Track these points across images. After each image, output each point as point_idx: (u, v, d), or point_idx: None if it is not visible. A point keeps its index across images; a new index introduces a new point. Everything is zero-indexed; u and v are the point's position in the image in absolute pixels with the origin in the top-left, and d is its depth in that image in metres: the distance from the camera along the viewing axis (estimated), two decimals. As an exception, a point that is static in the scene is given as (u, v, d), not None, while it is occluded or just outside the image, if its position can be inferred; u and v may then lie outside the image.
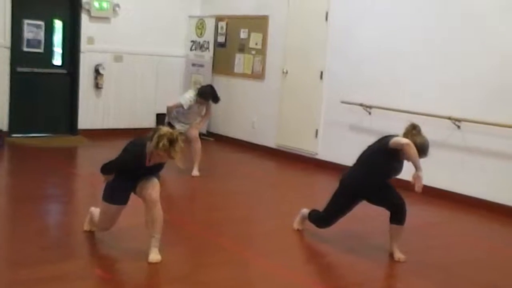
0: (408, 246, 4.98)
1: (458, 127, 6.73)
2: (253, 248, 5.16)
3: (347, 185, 4.96)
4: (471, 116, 6.65)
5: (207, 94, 7.52)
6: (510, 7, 6.48)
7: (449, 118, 6.75)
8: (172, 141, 4.07)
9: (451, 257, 5.05)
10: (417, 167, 4.51)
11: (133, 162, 4.32)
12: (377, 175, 4.82)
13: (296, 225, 5.44)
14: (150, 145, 4.15)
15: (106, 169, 4.40)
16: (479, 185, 6.58)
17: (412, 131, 4.65)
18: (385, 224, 4.94)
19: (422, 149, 4.54)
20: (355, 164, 5.04)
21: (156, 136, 4.09)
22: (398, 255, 4.84)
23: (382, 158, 4.74)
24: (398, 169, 4.79)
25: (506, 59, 6.47)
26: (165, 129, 4.19)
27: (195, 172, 7.37)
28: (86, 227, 4.95)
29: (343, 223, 5.16)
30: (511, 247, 5.65)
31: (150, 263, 4.30)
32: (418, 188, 4.51)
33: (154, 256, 4.33)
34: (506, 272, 4.89)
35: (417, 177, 4.50)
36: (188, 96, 7.43)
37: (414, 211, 5.34)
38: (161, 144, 4.04)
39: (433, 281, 4.47)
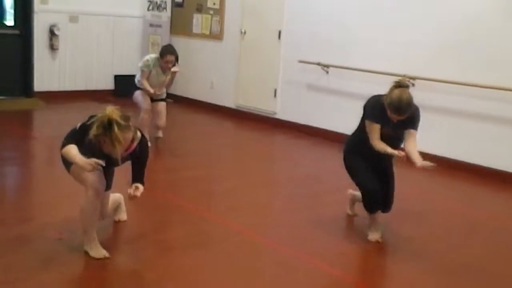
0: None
1: (413, 84, 6.80)
2: (212, 207, 5.18)
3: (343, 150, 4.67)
4: (421, 74, 6.77)
5: (170, 50, 6.94)
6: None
7: (404, 76, 6.81)
8: (105, 127, 3.41)
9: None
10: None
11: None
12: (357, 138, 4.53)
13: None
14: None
15: None
16: (430, 141, 6.70)
17: (393, 87, 4.17)
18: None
19: (388, 107, 4.13)
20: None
21: (92, 122, 3.49)
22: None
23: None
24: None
25: (454, 18, 6.59)
26: (103, 112, 3.44)
27: (160, 134, 7.14)
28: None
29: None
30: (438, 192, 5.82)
31: (115, 222, 4.38)
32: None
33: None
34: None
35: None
36: (146, 58, 7.03)
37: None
38: (94, 132, 3.43)
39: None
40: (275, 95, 8.69)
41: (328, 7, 7.87)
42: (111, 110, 3.43)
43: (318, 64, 7.94)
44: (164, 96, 7.17)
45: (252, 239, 4.41)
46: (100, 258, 3.77)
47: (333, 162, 7.00)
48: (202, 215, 4.89)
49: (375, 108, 4.26)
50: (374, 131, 4.27)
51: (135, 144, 3.68)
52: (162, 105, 7.05)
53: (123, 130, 3.43)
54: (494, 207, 5.66)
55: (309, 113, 8.23)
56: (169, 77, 6.98)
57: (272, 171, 6.79)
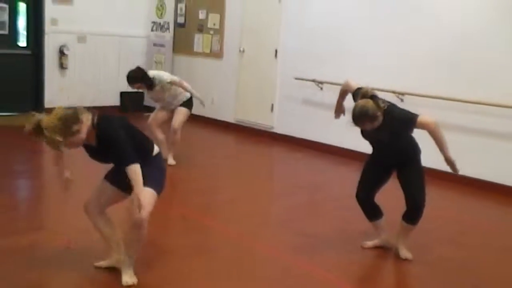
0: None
1: (401, 100, 6.82)
2: (213, 216, 5.17)
3: None
4: (412, 90, 6.76)
5: (129, 79, 6.69)
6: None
7: (393, 92, 6.83)
8: (36, 131, 3.28)
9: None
10: None
11: None
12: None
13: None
14: None
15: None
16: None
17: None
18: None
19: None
20: None
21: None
22: (405, 253, 4.26)
23: None
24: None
25: (443, 35, 6.61)
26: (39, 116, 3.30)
27: (171, 161, 6.72)
28: None
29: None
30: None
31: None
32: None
33: (129, 278, 3.56)
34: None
35: None
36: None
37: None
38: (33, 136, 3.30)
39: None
40: (272, 110, 8.69)
41: (323, 27, 7.89)
42: (44, 117, 3.27)
43: (313, 80, 7.95)
44: (177, 104, 6.85)
45: (251, 247, 4.39)
46: (129, 286, 3.51)
47: (327, 172, 7.04)
48: (204, 223, 4.88)
49: None
50: (352, 84, 4.34)
51: (84, 129, 3.33)
52: (178, 110, 6.83)
53: (53, 131, 3.22)
54: (481, 214, 5.66)
55: (304, 127, 8.24)
56: (169, 92, 6.73)
57: (270, 182, 6.78)
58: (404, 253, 4.25)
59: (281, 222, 5.12)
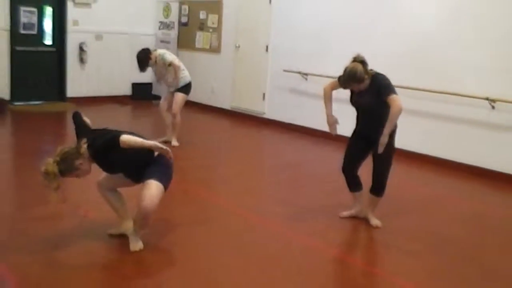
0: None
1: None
2: (211, 190, 5.15)
3: None
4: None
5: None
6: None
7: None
8: (46, 175, 3.16)
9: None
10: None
11: None
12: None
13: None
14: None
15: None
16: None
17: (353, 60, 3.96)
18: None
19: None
20: None
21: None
22: (375, 221, 4.24)
23: None
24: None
25: (410, 37, 6.55)
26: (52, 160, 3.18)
27: (175, 142, 6.64)
28: None
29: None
30: None
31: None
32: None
33: (136, 244, 3.50)
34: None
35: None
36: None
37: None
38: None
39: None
40: (263, 98, 8.65)
41: (308, 26, 7.83)
42: (48, 164, 3.17)
43: (299, 72, 7.90)
44: (176, 87, 6.66)
45: (243, 216, 4.37)
46: (135, 251, 3.46)
47: (311, 152, 7.03)
48: (202, 196, 4.87)
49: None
50: (332, 83, 4.15)
51: (85, 161, 3.24)
52: (176, 95, 6.67)
53: (64, 170, 3.18)
54: (448, 189, 5.67)
55: (291, 113, 8.21)
56: (170, 73, 6.55)
57: (260, 160, 6.76)
58: (374, 221, 4.23)
59: (269, 195, 5.11)
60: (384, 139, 3.86)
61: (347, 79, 3.85)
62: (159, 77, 6.76)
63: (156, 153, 3.44)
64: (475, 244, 4.07)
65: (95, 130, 3.44)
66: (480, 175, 5.95)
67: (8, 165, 5.68)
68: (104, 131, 3.38)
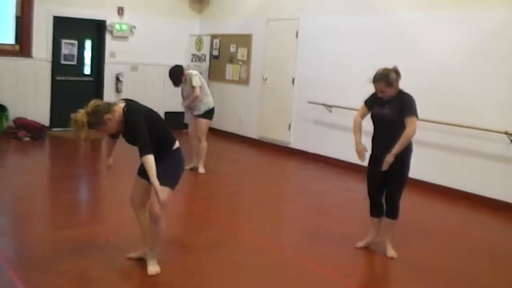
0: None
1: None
2: (234, 217, 5.23)
3: None
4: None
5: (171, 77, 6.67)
6: (433, 25, 6.68)
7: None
8: (75, 122, 3.37)
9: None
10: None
11: None
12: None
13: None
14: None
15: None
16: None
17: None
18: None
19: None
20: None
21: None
22: (391, 252, 4.17)
23: None
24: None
25: (427, 68, 6.68)
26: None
27: (201, 170, 6.74)
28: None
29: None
30: None
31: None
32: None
33: (153, 268, 3.57)
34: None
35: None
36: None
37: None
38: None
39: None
40: (289, 129, 8.79)
41: (332, 59, 7.98)
42: (79, 113, 3.34)
43: (323, 104, 8.06)
44: (198, 113, 6.72)
45: (261, 243, 4.39)
46: (153, 275, 3.52)
47: (333, 181, 7.07)
48: (222, 223, 4.93)
49: (371, 95, 4.15)
50: (360, 109, 4.19)
51: (115, 118, 3.35)
52: (199, 121, 6.74)
53: (93, 123, 3.31)
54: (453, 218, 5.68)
55: (316, 144, 8.31)
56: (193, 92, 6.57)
57: (283, 189, 6.82)
58: (391, 252, 4.19)
59: (287, 222, 5.19)
60: (390, 158, 3.88)
61: (380, 76, 3.91)
62: (186, 96, 6.74)
63: (174, 147, 3.52)
64: (486, 280, 4.06)
65: (140, 105, 3.53)
66: (497, 208, 5.95)
67: (43, 187, 5.94)
68: (148, 111, 3.46)
